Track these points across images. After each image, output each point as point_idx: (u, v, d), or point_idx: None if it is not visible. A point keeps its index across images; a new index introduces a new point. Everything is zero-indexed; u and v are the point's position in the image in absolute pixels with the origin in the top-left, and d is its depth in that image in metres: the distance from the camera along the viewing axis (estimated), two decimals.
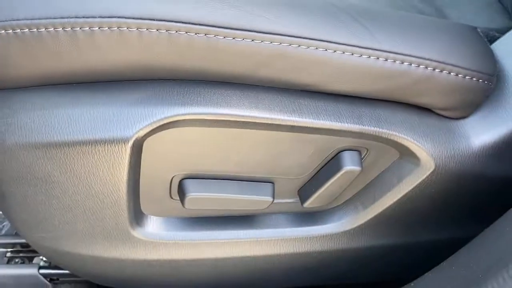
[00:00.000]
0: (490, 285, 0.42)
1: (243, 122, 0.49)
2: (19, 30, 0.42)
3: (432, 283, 0.51)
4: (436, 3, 0.70)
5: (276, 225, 0.61)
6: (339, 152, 0.54)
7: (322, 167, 0.56)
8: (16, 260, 0.80)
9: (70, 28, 0.42)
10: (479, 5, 0.69)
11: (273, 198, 0.56)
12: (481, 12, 0.67)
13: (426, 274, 0.52)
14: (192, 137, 0.51)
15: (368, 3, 0.66)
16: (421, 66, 0.48)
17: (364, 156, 0.55)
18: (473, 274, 0.45)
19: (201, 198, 0.54)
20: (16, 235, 0.81)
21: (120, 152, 0.48)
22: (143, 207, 0.57)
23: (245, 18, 0.44)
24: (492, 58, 0.53)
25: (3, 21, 0.42)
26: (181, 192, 0.55)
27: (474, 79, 0.50)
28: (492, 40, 0.59)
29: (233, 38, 0.44)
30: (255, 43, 0.44)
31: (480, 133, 0.54)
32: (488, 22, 0.65)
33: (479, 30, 0.58)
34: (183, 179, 0.54)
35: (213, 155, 0.53)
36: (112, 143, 0.47)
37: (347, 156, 0.53)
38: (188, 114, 0.47)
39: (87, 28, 0.42)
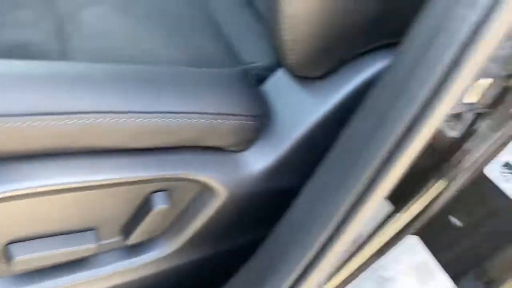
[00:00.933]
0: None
1: (56, 190, 0.55)
2: None
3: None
4: (225, 38, 0.80)
5: (108, 263, 0.69)
6: (150, 194, 0.64)
7: (138, 209, 0.65)
8: None
9: None
10: (259, 42, 0.80)
11: (97, 242, 0.64)
12: (259, 48, 0.77)
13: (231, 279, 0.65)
14: (10, 209, 0.55)
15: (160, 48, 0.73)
16: (199, 120, 0.59)
17: (171, 194, 0.65)
18: (258, 278, 0.59)
19: (28, 259, 0.59)
20: None
21: None
22: None
23: (43, 104, 0.50)
24: (258, 101, 0.66)
25: None
26: (7, 257, 0.59)
27: (243, 122, 0.62)
28: (263, 79, 0.72)
29: (41, 123, 0.49)
30: (56, 123, 0.50)
31: (258, 161, 0.67)
32: (263, 59, 0.77)
33: (252, 72, 0.70)
34: (7, 244, 0.59)
35: (34, 219, 0.58)
36: None
37: (157, 198, 0.63)
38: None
39: None
